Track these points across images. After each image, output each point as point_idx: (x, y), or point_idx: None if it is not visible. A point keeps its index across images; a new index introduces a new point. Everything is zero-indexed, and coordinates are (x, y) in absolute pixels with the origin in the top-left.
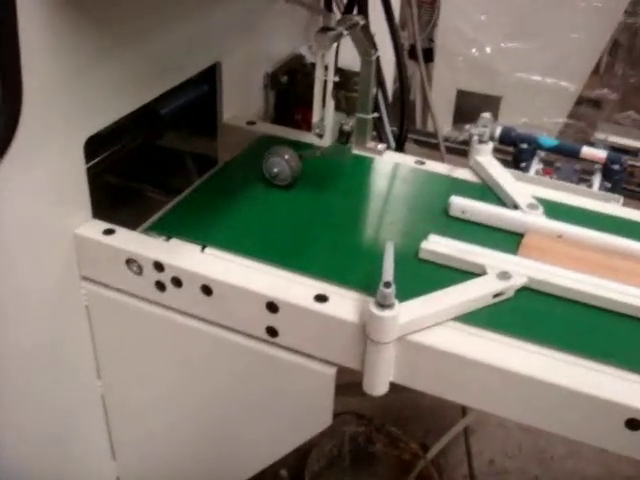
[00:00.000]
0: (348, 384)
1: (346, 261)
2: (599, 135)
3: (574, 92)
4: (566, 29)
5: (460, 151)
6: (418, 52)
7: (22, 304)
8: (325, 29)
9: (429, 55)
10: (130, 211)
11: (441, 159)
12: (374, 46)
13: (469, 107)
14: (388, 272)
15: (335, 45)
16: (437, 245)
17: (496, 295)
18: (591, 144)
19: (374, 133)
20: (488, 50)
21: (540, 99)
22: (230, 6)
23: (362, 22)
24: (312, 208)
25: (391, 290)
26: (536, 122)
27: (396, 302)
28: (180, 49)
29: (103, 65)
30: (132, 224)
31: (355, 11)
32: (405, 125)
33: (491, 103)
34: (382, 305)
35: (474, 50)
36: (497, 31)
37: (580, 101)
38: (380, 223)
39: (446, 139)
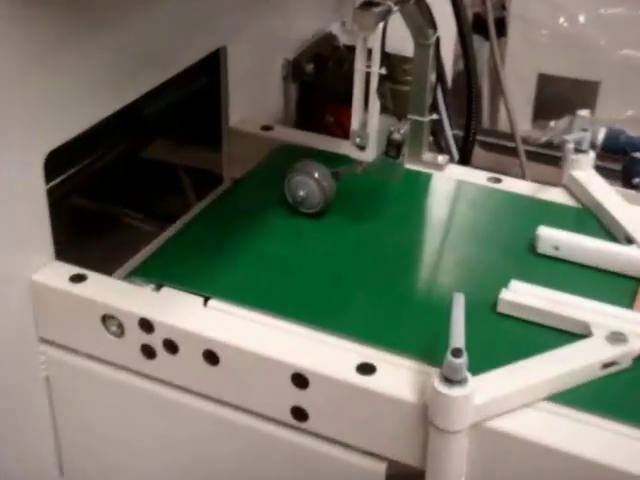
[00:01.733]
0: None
1: (398, 318)
2: None
3: None
4: None
5: (544, 157)
6: (489, 24)
7: None
8: (368, 4)
9: (501, 27)
10: (107, 248)
11: (521, 172)
12: (433, 24)
13: (555, 97)
14: (458, 335)
15: (381, 25)
16: (522, 295)
17: (607, 365)
18: None
19: (431, 138)
20: (581, 19)
21: None
22: None
23: None
24: (350, 244)
25: (462, 360)
26: None
27: (469, 376)
28: (171, 32)
29: (67, 56)
30: (109, 266)
31: None
32: (473, 127)
33: (585, 91)
34: (451, 380)
35: (562, 20)
36: None
37: None
38: (443, 264)
39: (525, 141)
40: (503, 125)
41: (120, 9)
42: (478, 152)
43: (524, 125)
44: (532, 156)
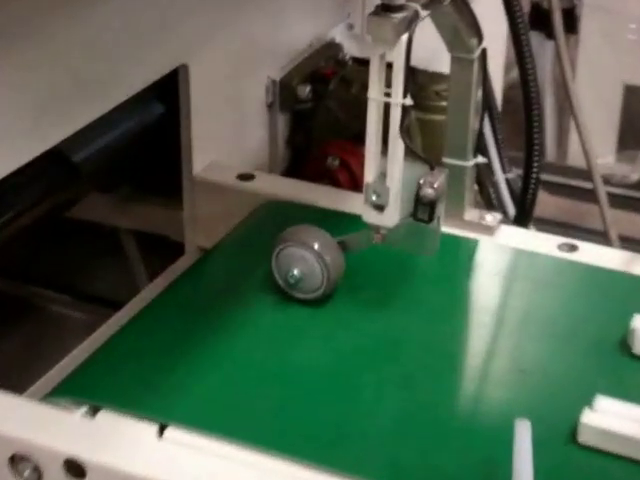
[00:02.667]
0: None
1: (433, 451)
2: None
3: None
4: None
5: (634, 203)
6: (554, 17)
7: None
8: (386, 7)
9: (570, 22)
10: (19, 348)
11: (602, 225)
12: (477, 32)
13: None
14: (524, 477)
15: (405, 38)
16: (611, 418)
17: None
18: None
19: (475, 187)
20: None
21: None
22: None
23: None
24: (363, 346)
25: None
26: None
27: None
28: (112, 48)
29: None
30: (22, 377)
31: None
32: (535, 168)
33: None
34: None
35: None
36: None
37: None
38: (499, 372)
39: (607, 180)
40: (575, 158)
41: (40, 19)
42: (541, 197)
43: (606, 158)
44: (618, 201)
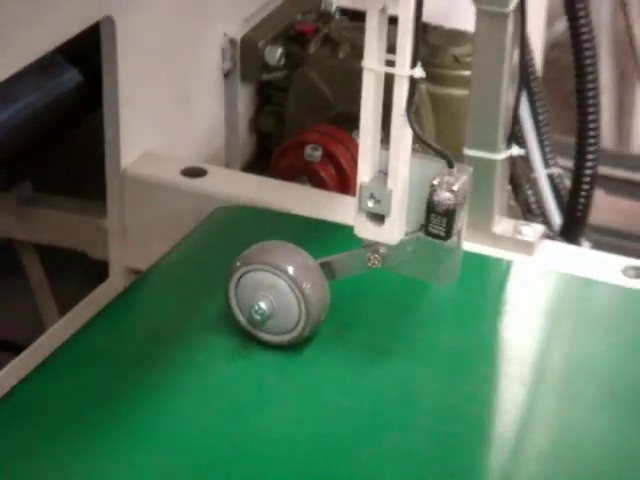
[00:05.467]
0: None
1: None
2: None
3: None
4: None
5: None
6: None
7: None
8: None
9: None
10: None
11: None
12: None
13: None
14: None
15: None
16: None
17: None
18: None
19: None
20: None
21: None
22: None
23: None
24: (358, 407)
25: None
26: None
27: None
28: None
29: None
30: None
31: None
32: (590, 168)
33: None
34: None
35: None
36: None
37: None
38: (539, 449)
39: None
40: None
41: None
42: (597, 197)
43: None
44: None
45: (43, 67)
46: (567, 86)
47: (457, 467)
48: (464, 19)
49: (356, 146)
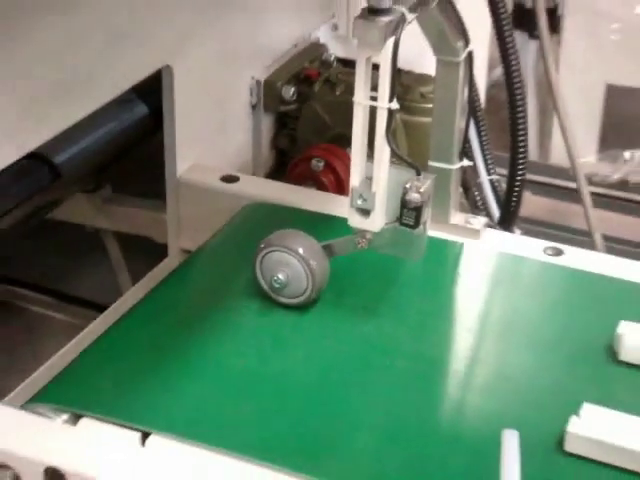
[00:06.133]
0: None
1: (418, 460)
2: None
3: None
4: None
5: (617, 202)
6: (538, 15)
7: None
8: (372, 11)
9: (553, 21)
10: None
11: (587, 225)
12: (464, 34)
13: (630, 117)
14: None
15: (392, 41)
16: (598, 427)
17: None
18: None
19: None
20: None
21: None
22: None
23: None
24: (349, 352)
25: None
26: None
27: None
28: (95, 49)
29: None
30: (3, 373)
31: None
32: (520, 169)
33: None
34: None
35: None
36: None
37: None
38: (484, 379)
39: (590, 180)
40: (558, 157)
41: (22, 21)
42: (524, 197)
43: (588, 157)
44: (601, 201)
45: (120, 102)
46: (502, 115)
47: (422, 393)
48: (428, 66)
49: (349, 159)
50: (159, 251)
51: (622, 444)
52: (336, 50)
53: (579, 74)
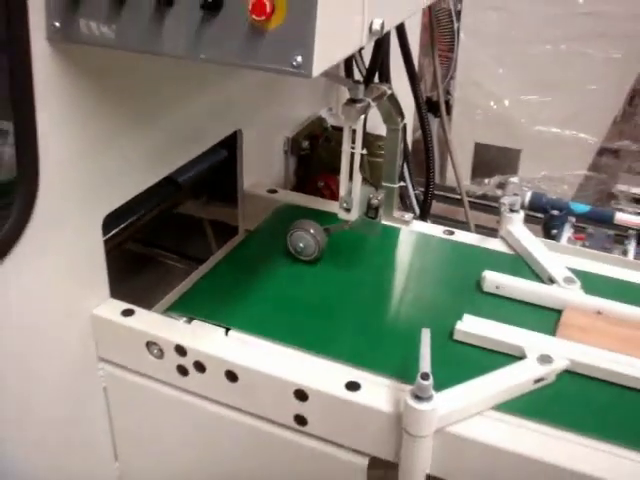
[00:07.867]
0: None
1: (377, 345)
2: (621, 187)
3: (594, 144)
4: (585, 81)
5: (481, 206)
6: (441, 105)
7: (40, 383)
8: (352, 101)
9: (447, 108)
10: (150, 283)
11: (465, 217)
12: (401, 114)
13: (487, 160)
14: (426, 362)
15: (363, 117)
16: (472, 326)
17: (537, 381)
18: (613, 196)
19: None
20: (506, 103)
21: (560, 151)
22: (249, 73)
23: (389, 92)
24: (339, 285)
25: (429, 382)
26: (557, 175)
27: (434, 393)
28: (201, 119)
29: (122, 140)
30: (152, 298)
31: (377, 76)
32: (431, 190)
33: (510, 156)
34: (420, 397)
35: (492, 103)
36: (515, 83)
37: (601, 152)
38: (411, 301)
39: (467, 193)
40: (450, 180)
41: (161, 103)
42: (433, 203)
43: (466, 181)
44: (472, 205)
45: (213, 148)
46: (420, 158)
47: (379, 306)
48: (382, 130)
49: (338, 182)
50: (232, 231)
51: (485, 334)
52: (331, 121)
53: (460, 137)
